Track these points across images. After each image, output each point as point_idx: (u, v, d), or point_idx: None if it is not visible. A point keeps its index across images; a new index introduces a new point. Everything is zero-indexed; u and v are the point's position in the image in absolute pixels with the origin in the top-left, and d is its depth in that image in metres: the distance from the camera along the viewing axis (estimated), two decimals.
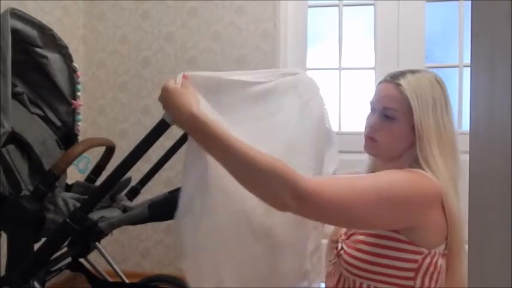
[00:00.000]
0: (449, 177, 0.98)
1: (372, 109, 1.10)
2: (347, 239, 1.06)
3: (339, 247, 1.06)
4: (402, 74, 1.05)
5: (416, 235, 0.95)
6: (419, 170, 0.97)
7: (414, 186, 0.94)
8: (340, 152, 1.09)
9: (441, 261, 0.98)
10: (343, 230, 1.11)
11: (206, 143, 0.86)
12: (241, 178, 0.85)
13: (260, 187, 0.85)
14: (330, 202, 0.86)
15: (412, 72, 1.05)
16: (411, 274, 0.96)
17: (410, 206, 0.94)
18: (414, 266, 0.95)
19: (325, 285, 1.12)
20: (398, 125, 1.02)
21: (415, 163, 1.00)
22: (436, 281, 0.97)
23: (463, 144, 1.04)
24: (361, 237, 1.01)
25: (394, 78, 1.04)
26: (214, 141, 0.84)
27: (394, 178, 0.95)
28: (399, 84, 1.02)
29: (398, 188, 0.93)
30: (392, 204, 0.91)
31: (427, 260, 0.96)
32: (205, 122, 0.85)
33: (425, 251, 0.95)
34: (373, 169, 1.12)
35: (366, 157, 1.12)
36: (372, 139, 1.06)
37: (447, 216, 0.95)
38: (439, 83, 1.05)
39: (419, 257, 0.95)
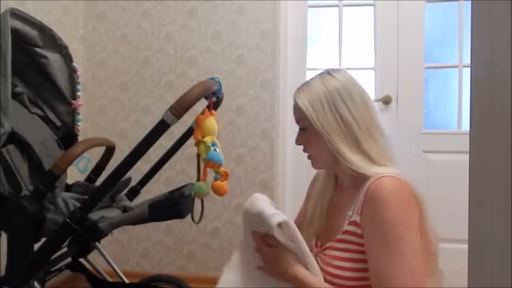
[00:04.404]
0: (362, 159, 0.98)
1: None
2: (321, 252, 1.04)
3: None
4: (300, 86, 1.08)
5: None
6: (391, 174, 0.96)
7: (407, 211, 0.93)
8: None
9: None
10: (314, 241, 1.10)
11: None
12: None
13: None
14: None
15: (312, 78, 1.07)
16: None
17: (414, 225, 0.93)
18: None
19: None
20: (313, 132, 1.03)
21: (367, 160, 0.99)
22: None
23: (463, 144, 1.04)
24: (338, 254, 0.99)
25: (294, 93, 1.08)
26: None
27: (398, 219, 0.92)
28: (294, 97, 1.06)
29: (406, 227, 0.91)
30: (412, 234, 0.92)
31: None
32: (302, 278, 0.98)
33: None
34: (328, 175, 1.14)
35: None
36: (308, 156, 1.09)
37: (420, 208, 0.95)
38: (332, 75, 1.04)
39: None
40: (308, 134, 1.05)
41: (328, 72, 1.05)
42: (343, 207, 1.04)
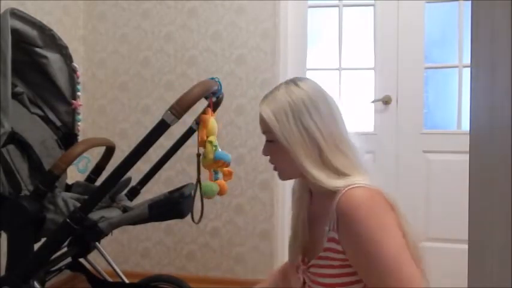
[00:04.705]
0: (328, 173, 0.96)
1: None
2: (307, 269, 1.03)
3: (301, 279, 1.04)
4: (266, 95, 1.05)
5: None
6: (359, 184, 0.93)
7: (383, 215, 0.92)
8: None
9: None
10: (300, 257, 1.07)
11: None
12: None
13: None
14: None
15: (277, 87, 1.04)
16: None
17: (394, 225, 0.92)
18: None
19: None
20: (279, 144, 1.00)
21: (333, 173, 0.97)
22: None
23: (463, 144, 1.03)
24: (324, 271, 0.97)
25: (260, 103, 1.04)
26: None
27: (378, 228, 0.90)
28: (259, 108, 1.03)
29: (387, 231, 0.90)
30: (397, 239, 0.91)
31: None
32: None
33: None
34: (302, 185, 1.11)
35: (365, 157, 1.10)
36: (274, 167, 1.07)
37: (397, 214, 0.93)
38: (298, 85, 1.01)
39: None
40: (274, 146, 1.02)
41: (294, 82, 1.02)
42: (320, 218, 1.01)
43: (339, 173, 0.96)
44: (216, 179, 1.24)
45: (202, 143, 1.19)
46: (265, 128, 1.03)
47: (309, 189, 1.10)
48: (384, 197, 0.93)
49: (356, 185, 0.92)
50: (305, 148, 0.97)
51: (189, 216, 1.35)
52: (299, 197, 1.11)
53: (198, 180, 1.25)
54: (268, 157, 1.06)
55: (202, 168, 1.24)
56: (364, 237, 0.88)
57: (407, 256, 0.88)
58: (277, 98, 1.00)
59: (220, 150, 1.20)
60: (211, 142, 1.17)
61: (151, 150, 1.14)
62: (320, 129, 0.97)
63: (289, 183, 1.15)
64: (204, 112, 1.23)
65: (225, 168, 1.20)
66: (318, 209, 1.05)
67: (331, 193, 0.95)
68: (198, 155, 1.22)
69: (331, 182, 0.95)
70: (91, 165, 1.67)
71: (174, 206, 1.40)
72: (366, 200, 0.91)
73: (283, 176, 1.07)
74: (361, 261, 0.90)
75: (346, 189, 0.92)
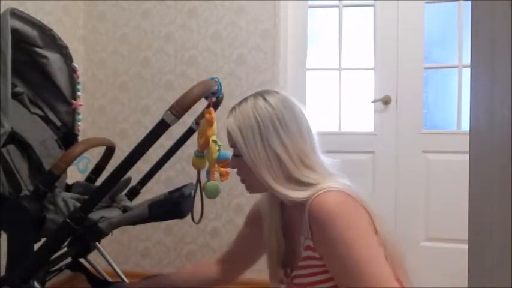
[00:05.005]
0: (293, 187, 0.95)
1: None
2: (291, 280, 1.02)
3: None
4: (233, 108, 1.03)
5: None
6: (327, 189, 0.92)
7: (358, 217, 0.92)
8: (340, 152, 1.08)
9: None
10: (282, 270, 1.07)
11: None
12: None
13: None
14: None
15: (245, 99, 1.03)
16: None
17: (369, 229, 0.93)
18: None
19: None
20: (243, 159, 0.99)
21: (298, 186, 0.96)
22: None
23: (463, 144, 1.03)
24: (306, 280, 0.97)
25: (227, 116, 1.03)
26: None
27: (353, 232, 0.90)
28: (226, 122, 1.02)
29: (362, 234, 0.90)
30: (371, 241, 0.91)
31: None
32: None
33: None
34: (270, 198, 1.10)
35: (365, 157, 1.10)
36: (241, 180, 1.06)
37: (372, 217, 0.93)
38: (266, 100, 0.99)
39: None
40: (240, 161, 1.00)
41: (263, 96, 1.00)
42: (295, 228, 1.01)
43: (305, 185, 0.95)
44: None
45: (206, 143, 1.19)
46: (232, 143, 1.02)
47: (279, 201, 1.08)
48: (353, 198, 0.92)
49: (324, 190, 0.92)
50: (269, 166, 0.96)
51: (189, 216, 1.35)
52: (269, 210, 1.10)
53: (198, 180, 1.25)
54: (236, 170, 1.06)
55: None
56: (337, 241, 0.88)
57: (381, 258, 0.88)
58: (245, 113, 0.99)
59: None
60: (215, 142, 1.17)
61: (151, 150, 1.14)
62: (286, 146, 0.96)
63: None
64: (207, 112, 1.22)
65: (222, 169, 1.20)
66: (292, 219, 1.05)
67: (302, 203, 0.94)
68: (200, 156, 1.22)
69: (297, 194, 0.95)
70: (91, 165, 1.67)
71: (174, 206, 1.40)
72: (337, 203, 0.90)
73: (251, 190, 1.07)
74: (335, 265, 0.90)
75: (314, 196, 0.92)
